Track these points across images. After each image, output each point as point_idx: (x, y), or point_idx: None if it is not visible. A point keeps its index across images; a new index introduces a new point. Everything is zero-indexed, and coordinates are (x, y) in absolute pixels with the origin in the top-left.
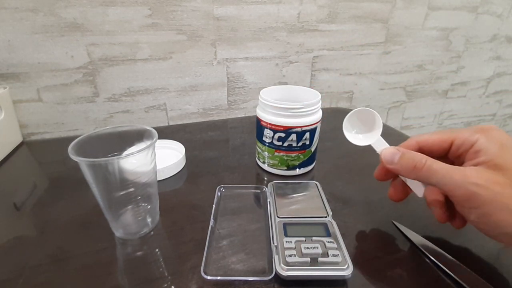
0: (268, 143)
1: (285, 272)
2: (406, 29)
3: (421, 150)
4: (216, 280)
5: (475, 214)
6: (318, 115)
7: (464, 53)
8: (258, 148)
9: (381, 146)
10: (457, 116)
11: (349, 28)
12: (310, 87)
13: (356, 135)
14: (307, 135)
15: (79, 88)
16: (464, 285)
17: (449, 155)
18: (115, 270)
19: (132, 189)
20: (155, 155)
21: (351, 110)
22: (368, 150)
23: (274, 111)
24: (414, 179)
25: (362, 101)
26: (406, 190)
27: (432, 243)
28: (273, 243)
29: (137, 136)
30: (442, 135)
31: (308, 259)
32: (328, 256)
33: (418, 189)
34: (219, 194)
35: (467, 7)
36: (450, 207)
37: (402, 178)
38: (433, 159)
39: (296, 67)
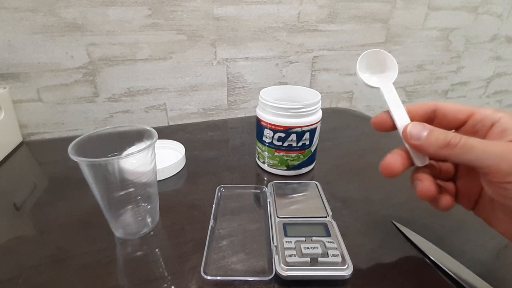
0: (268, 143)
1: (285, 272)
2: (406, 29)
3: (435, 114)
4: (216, 280)
5: None
6: (318, 115)
7: (464, 53)
8: (258, 148)
9: (390, 95)
10: None
11: (349, 28)
12: (310, 87)
13: (369, 76)
14: (307, 135)
15: (79, 88)
16: (464, 285)
17: (462, 130)
18: (115, 270)
19: (132, 189)
20: (155, 155)
21: (352, 110)
22: (368, 150)
23: (274, 111)
24: (443, 158)
25: (362, 101)
26: (407, 162)
27: (432, 243)
28: (273, 243)
29: (137, 136)
30: (461, 106)
31: (308, 259)
32: (328, 256)
33: (420, 158)
34: (219, 194)
35: (467, 7)
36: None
37: (406, 146)
38: (466, 136)
39: (296, 67)
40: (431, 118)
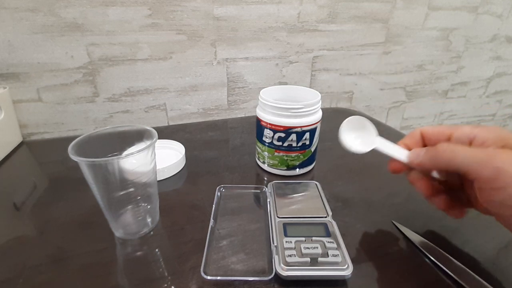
0: (268, 143)
1: (285, 272)
2: (406, 29)
3: (423, 137)
4: (216, 280)
5: (501, 196)
6: (318, 115)
7: (464, 53)
8: (258, 148)
9: (383, 145)
10: (457, 116)
11: (349, 28)
12: (310, 87)
13: (359, 144)
14: (307, 135)
15: (79, 88)
16: (464, 285)
17: None
18: (115, 270)
19: (132, 189)
20: (155, 155)
21: (352, 110)
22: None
23: (274, 111)
24: (436, 168)
25: (362, 101)
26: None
27: (432, 243)
28: (273, 243)
29: (137, 136)
30: (442, 127)
31: (308, 259)
32: (328, 256)
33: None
34: (219, 194)
35: (467, 7)
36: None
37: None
38: (452, 143)
39: (296, 67)
40: (424, 144)
